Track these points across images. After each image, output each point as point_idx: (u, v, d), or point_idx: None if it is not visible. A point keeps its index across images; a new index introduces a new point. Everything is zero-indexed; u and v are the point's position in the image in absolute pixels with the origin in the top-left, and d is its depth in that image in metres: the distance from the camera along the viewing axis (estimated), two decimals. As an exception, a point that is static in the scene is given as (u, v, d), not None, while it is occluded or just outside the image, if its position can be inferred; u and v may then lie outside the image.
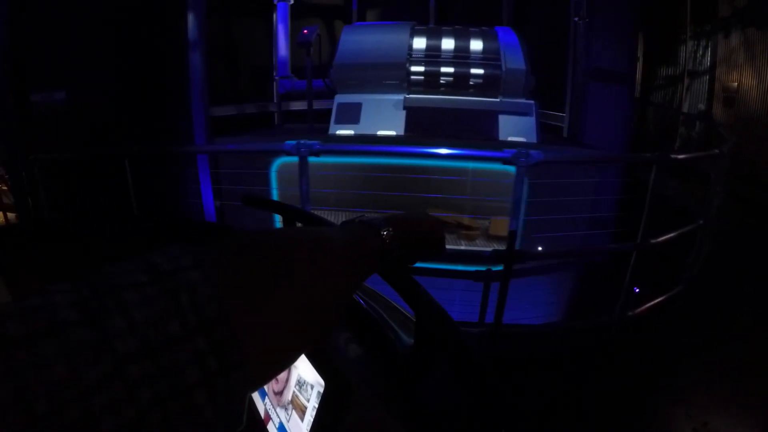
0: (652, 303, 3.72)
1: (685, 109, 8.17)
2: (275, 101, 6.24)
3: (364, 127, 4.98)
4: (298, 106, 6.28)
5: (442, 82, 4.92)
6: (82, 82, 5.03)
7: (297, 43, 5.22)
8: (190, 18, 5.51)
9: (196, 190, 4.73)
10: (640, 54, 7.61)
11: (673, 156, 3.34)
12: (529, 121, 4.82)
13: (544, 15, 6.60)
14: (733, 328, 3.67)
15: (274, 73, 5.95)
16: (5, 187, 5.36)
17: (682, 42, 8.07)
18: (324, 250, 0.51)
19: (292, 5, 6.37)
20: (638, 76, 8.51)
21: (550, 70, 5.75)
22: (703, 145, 7.99)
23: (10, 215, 5.24)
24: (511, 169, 4.44)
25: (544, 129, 6.13)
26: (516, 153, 2.92)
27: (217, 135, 5.68)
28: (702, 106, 7.95)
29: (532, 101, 4.91)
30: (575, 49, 5.32)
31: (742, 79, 7.68)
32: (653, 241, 3.35)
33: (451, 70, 4.88)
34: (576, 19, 5.19)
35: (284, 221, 1.20)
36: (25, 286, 1.29)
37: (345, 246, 0.56)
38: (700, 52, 8.04)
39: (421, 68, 4.91)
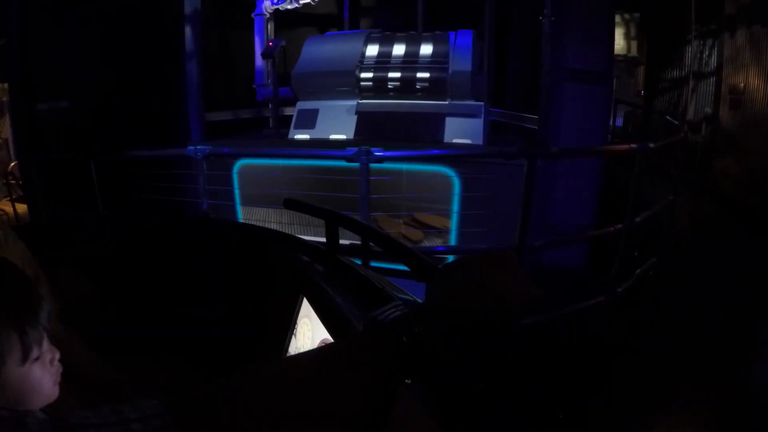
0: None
1: (690, 113, 7.81)
2: (269, 107, 6.54)
3: (320, 132, 5.20)
4: (290, 111, 6.60)
5: (390, 87, 5.05)
6: (85, 91, 5.58)
7: (261, 55, 5.52)
8: (187, 31, 5.98)
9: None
10: (642, 58, 7.38)
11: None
12: (476, 123, 4.86)
13: (526, 16, 6.60)
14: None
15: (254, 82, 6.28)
16: (14, 182, 6.04)
17: (688, 43, 7.75)
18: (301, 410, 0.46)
19: (288, 16, 6.74)
20: (640, 79, 8.25)
21: (532, 73, 5.74)
22: (708, 149, 7.63)
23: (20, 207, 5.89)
24: (448, 170, 4.54)
25: (521, 131, 6.14)
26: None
27: (212, 138, 6.13)
28: (708, 110, 7.59)
29: (481, 103, 4.94)
30: (546, 50, 5.28)
31: (748, 80, 7.29)
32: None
33: (398, 75, 5.01)
34: (541, 18, 5.16)
35: (327, 225, 1.31)
36: (64, 281, 1.34)
37: (330, 389, 0.48)
38: (706, 53, 7.69)
39: (371, 74, 5.07)
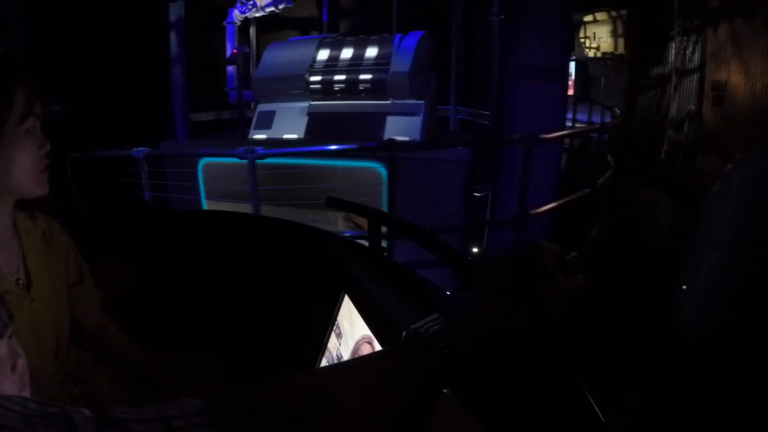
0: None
1: (673, 110, 7.69)
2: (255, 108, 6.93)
3: (275, 132, 5.55)
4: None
5: (336, 89, 5.34)
6: (81, 95, 6.15)
7: (225, 61, 5.92)
8: (172, 37, 6.48)
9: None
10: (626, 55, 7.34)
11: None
12: (415, 121, 5.07)
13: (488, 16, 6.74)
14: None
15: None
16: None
17: (671, 39, 7.65)
18: (344, 414, 0.48)
19: (269, 18, 7.15)
20: (625, 79, 8.17)
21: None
22: (692, 147, 7.50)
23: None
24: (377, 166, 4.81)
25: (478, 127, 6.27)
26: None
27: (196, 137, 6.62)
28: (692, 107, 7.47)
29: (421, 101, 5.16)
30: (500, 47, 5.42)
31: (730, 76, 7.14)
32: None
33: (343, 77, 5.29)
34: (492, 17, 5.32)
35: (370, 224, 1.46)
36: (107, 271, 1.39)
37: (374, 398, 0.50)
38: (690, 49, 7.57)
39: (319, 78, 5.38)
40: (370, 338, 1.02)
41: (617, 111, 6.04)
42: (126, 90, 6.31)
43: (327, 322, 1.23)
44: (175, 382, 1.26)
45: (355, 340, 1.08)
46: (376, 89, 5.21)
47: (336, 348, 1.18)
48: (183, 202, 5.34)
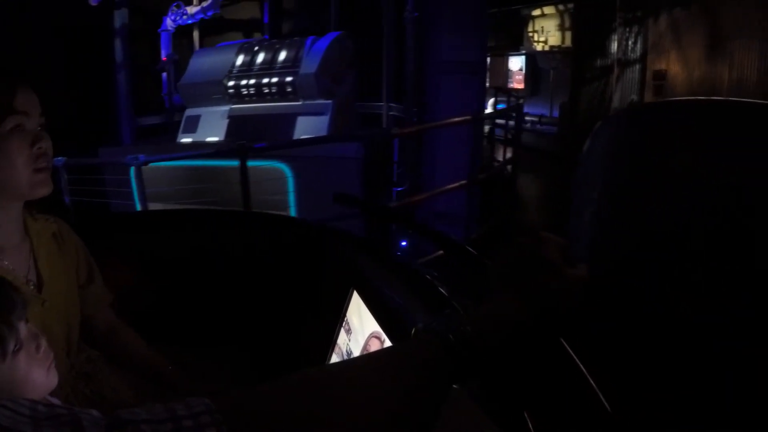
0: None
1: (616, 101, 7.69)
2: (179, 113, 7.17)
3: (200, 135, 5.79)
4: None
5: (251, 92, 5.55)
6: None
7: (155, 69, 6.17)
8: (117, 43, 6.77)
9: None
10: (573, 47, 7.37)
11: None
12: (323, 120, 5.25)
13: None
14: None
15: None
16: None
17: (613, 31, 7.66)
18: (355, 411, 0.47)
19: (212, 22, 7.38)
20: (569, 71, 8.19)
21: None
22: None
23: None
24: (282, 165, 5.01)
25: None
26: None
27: (143, 140, 6.90)
28: (635, 97, 7.48)
29: (329, 101, 5.33)
30: (415, 44, 5.55)
31: (669, 65, 7.14)
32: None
33: (256, 81, 5.50)
34: (406, 14, 5.44)
35: (378, 220, 1.62)
36: (116, 272, 1.39)
37: (384, 396, 0.49)
38: (632, 40, 7.57)
39: (235, 82, 5.60)
40: (379, 334, 1.01)
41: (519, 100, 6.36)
42: (71, 96, 6.59)
43: (336, 319, 1.23)
44: (187, 381, 1.25)
45: (365, 336, 1.08)
46: (287, 91, 5.40)
47: (346, 344, 1.18)
48: (117, 207, 5.61)
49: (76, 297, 1.18)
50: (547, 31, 10.21)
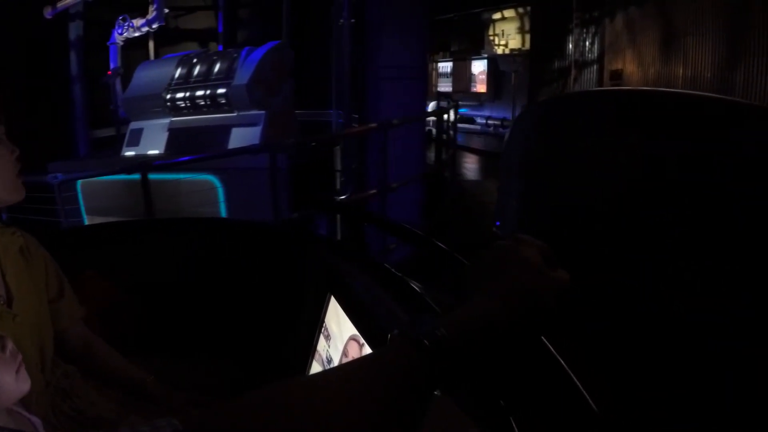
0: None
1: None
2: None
3: (142, 149, 5.81)
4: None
5: (188, 105, 5.57)
6: None
7: (101, 83, 6.21)
8: (72, 56, 6.82)
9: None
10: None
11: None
12: (256, 131, 5.25)
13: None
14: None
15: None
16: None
17: (571, 32, 7.58)
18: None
19: (166, 32, 7.42)
20: (528, 74, 8.11)
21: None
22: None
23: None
24: (211, 177, 5.03)
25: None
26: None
27: (98, 153, 6.93)
28: (593, 97, 7.37)
29: (262, 112, 5.33)
30: (350, 50, 5.53)
31: (625, 64, 7.05)
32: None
33: (192, 93, 5.51)
34: (341, 20, 5.42)
35: (352, 223, 1.64)
36: (87, 285, 1.38)
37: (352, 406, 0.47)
38: (589, 40, 7.49)
39: (173, 95, 5.61)
40: (357, 338, 1.01)
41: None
42: (25, 108, 6.65)
43: (315, 325, 1.23)
44: (167, 393, 1.24)
45: (344, 341, 1.07)
46: (221, 103, 5.40)
47: (325, 350, 1.18)
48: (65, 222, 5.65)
49: (47, 312, 1.17)
50: (507, 34, 10.15)
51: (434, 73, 11.89)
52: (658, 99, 0.98)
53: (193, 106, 5.57)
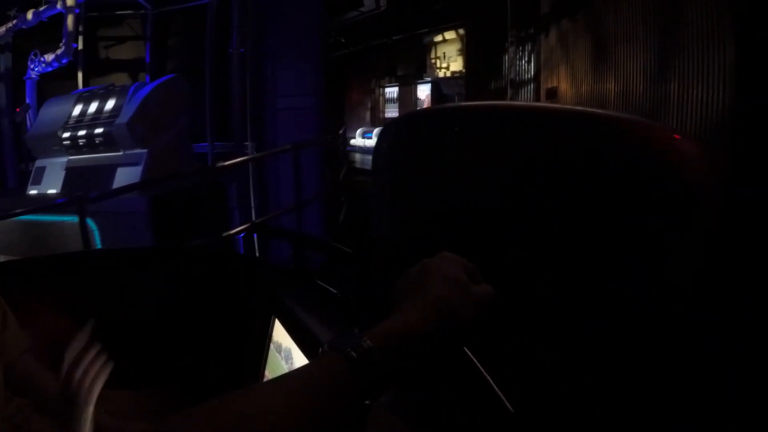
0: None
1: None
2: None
3: (44, 187, 5.79)
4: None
5: (80, 144, 5.49)
6: None
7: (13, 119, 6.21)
8: (1, 88, 6.88)
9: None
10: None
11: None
12: (137, 171, 5.13)
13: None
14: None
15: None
16: None
17: (505, 51, 7.22)
18: None
19: (97, 62, 7.44)
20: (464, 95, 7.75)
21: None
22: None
23: None
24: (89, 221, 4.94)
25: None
26: None
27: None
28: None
29: (144, 150, 5.21)
30: (240, 79, 5.43)
31: (560, 82, 6.66)
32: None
33: (84, 132, 5.44)
34: (230, 50, 5.30)
35: (294, 247, 1.68)
36: (33, 316, 1.36)
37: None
38: (525, 58, 7.11)
39: (68, 134, 5.56)
40: (302, 359, 1.03)
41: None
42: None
43: (262, 349, 1.25)
44: (119, 425, 1.23)
45: (290, 364, 1.10)
46: (107, 142, 5.31)
47: (273, 374, 1.19)
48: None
49: None
50: (449, 57, 9.82)
51: (381, 98, 11.75)
52: (472, 112, 1.18)
53: (87, 145, 5.49)
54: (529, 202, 0.91)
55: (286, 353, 1.13)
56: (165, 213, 4.77)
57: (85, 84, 7.51)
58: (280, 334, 1.18)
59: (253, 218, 5.54)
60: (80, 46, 7.42)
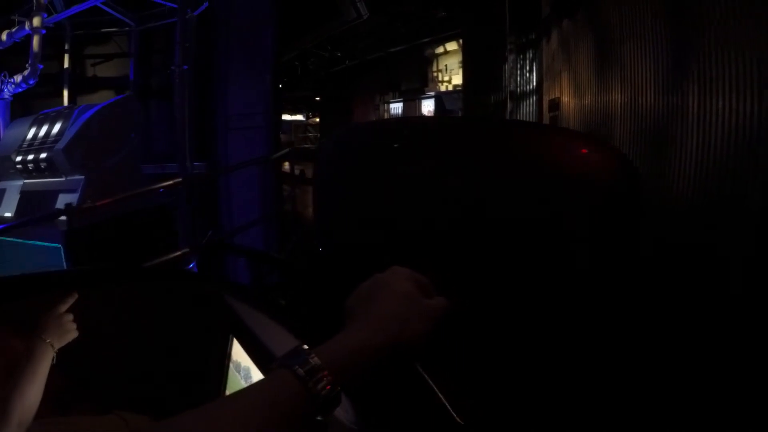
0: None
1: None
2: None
3: (3, 210, 5.61)
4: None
5: (31, 167, 5.28)
6: None
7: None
8: None
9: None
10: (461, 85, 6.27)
11: None
12: (74, 197, 4.86)
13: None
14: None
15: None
16: None
17: (505, 60, 6.44)
18: None
19: (83, 80, 7.36)
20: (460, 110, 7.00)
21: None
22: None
23: None
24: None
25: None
26: None
27: None
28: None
29: (81, 177, 4.92)
30: (181, 97, 5.10)
31: (562, 91, 5.84)
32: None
33: (31, 156, 5.23)
34: (173, 67, 4.99)
35: (250, 263, 1.92)
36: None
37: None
38: (526, 67, 6.31)
39: (19, 158, 5.38)
40: (260, 376, 1.05)
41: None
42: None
43: (221, 369, 1.26)
44: None
45: (249, 382, 1.10)
46: (49, 167, 5.07)
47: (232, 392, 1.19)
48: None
49: None
50: (450, 70, 9.07)
51: (386, 114, 11.30)
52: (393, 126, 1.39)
53: (36, 170, 5.30)
54: (461, 213, 0.91)
55: (245, 372, 1.14)
56: (92, 242, 4.45)
57: (70, 102, 7.42)
58: (238, 352, 1.19)
59: (202, 240, 5.16)
60: (67, 65, 7.37)
